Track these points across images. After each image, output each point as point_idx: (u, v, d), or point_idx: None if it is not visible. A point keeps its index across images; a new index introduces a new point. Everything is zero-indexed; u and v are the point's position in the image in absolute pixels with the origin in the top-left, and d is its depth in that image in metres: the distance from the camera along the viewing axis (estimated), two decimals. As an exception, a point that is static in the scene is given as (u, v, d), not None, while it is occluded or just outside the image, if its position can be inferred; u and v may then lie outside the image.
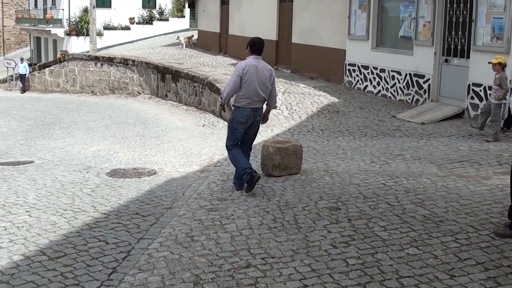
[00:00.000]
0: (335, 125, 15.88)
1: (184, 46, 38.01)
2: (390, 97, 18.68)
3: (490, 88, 13.86)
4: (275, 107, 10.32)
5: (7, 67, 38.70)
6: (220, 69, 25.34)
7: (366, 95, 19.36)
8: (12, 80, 38.22)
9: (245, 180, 9.28)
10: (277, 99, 10.24)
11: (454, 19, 16.10)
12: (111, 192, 10.20)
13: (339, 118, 16.57)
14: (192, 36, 39.88)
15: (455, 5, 16.01)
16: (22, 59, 37.80)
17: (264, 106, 9.71)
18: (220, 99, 9.71)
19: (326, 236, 7.25)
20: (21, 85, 36.12)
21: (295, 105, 17.90)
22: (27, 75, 35.87)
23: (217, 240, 7.26)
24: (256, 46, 9.44)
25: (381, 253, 6.61)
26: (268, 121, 15.44)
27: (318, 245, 6.96)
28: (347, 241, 7.05)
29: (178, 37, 40.04)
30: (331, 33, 21.99)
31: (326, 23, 22.28)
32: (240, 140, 9.60)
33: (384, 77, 18.89)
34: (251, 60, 9.37)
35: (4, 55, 58.45)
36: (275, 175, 10.28)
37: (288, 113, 17.20)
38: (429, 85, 16.89)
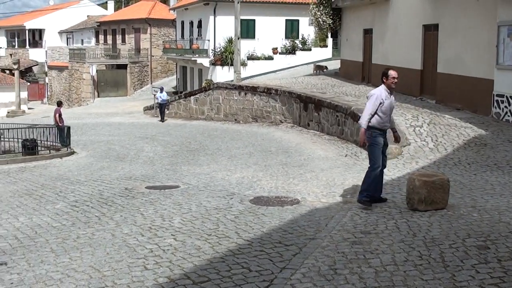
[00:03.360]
0: (483, 159, 15.32)
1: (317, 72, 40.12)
2: (541, 130, 17.84)
3: None
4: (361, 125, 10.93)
5: (154, 95, 40.20)
6: (363, 99, 25.06)
7: (515, 128, 18.59)
8: (158, 107, 39.63)
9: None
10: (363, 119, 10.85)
11: None
12: (254, 219, 10.30)
13: (486, 152, 15.98)
14: (322, 66, 41.61)
15: None
16: (161, 89, 38.87)
17: None
18: None
19: (474, 276, 6.96)
20: (159, 114, 37.28)
21: (440, 136, 17.45)
22: (165, 103, 37.02)
23: (361, 274, 7.15)
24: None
25: (535, 297, 6.27)
26: (413, 153, 15.20)
27: (465, 285, 6.70)
28: (496, 283, 6.74)
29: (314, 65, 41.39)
30: (477, 62, 21.33)
31: (472, 52, 21.66)
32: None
33: (536, 109, 18.08)
34: None
35: (151, 83, 60.83)
36: (421, 209, 10.03)
37: (433, 145, 16.79)
38: None
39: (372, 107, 10.67)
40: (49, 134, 25.31)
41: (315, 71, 40.75)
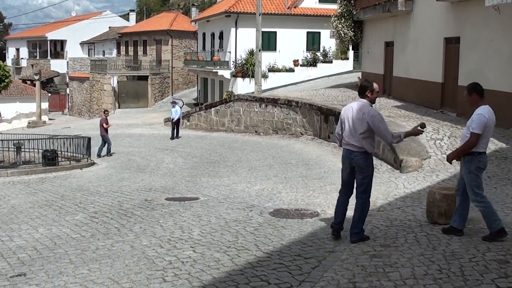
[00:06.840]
0: (503, 172, 15.20)
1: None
2: None
3: None
4: (394, 142, 9.57)
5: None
6: (384, 112, 25.05)
7: (537, 142, 18.44)
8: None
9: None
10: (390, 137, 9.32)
11: None
12: (274, 232, 10.30)
13: (507, 165, 15.85)
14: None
15: None
16: (173, 103, 35.85)
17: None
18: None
19: (494, 290, 6.91)
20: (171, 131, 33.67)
21: (461, 150, 17.32)
22: (178, 118, 33.56)
23: (380, 288, 7.11)
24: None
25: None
26: (433, 166, 14.96)
27: (486, 300, 6.65)
28: (518, 297, 6.69)
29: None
30: (499, 75, 21.18)
31: (494, 65, 21.51)
32: (344, 181, 10.03)
33: (558, 123, 17.93)
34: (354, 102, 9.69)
35: (172, 95, 61.12)
36: (441, 223, 9.97)
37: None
38: None
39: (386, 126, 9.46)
40: (70, 145, 25.47)
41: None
